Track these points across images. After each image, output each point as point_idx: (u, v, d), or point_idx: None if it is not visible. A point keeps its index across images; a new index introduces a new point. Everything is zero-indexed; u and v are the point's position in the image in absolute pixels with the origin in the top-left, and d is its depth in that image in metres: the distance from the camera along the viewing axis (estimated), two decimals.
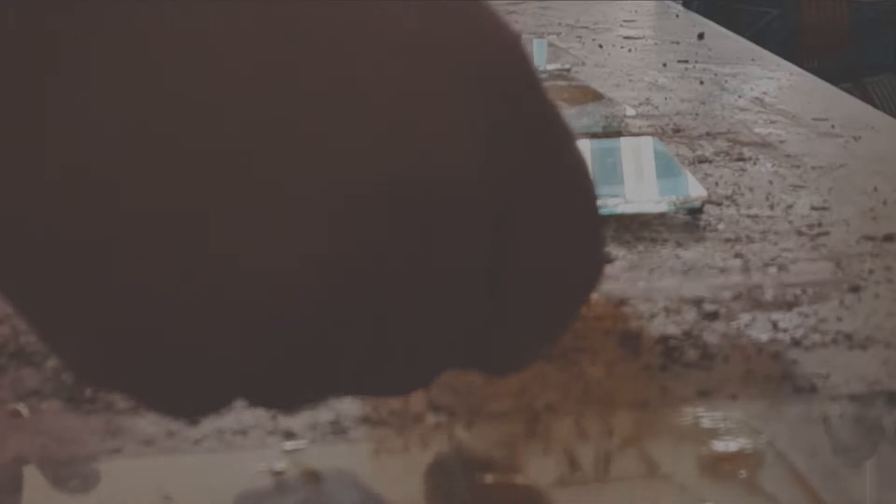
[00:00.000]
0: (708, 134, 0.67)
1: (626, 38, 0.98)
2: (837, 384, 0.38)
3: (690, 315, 0.43)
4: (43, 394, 0.36)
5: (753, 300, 0.44)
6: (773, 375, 0.38)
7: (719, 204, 0.54)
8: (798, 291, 0.45)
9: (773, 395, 0.37)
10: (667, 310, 0.43)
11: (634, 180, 0.53)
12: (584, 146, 0.54)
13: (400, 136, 0.22)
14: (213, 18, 0.21)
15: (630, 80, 0.81)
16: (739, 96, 0.77)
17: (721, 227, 0.52)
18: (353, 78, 0.22)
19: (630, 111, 0.68)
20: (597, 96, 0.69)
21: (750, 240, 0.50)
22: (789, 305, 0.44)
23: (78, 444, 0.34)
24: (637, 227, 0.51)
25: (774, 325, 0.42)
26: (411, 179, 0.22)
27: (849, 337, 0.41)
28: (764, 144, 0.65)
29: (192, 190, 0.21)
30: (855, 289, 0.45)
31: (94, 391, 0.36)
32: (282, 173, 0.21)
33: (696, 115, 0.71)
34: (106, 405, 0.36)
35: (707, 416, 0.36)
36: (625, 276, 0.46)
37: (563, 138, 0.25)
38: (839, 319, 0.43)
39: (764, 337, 0.41)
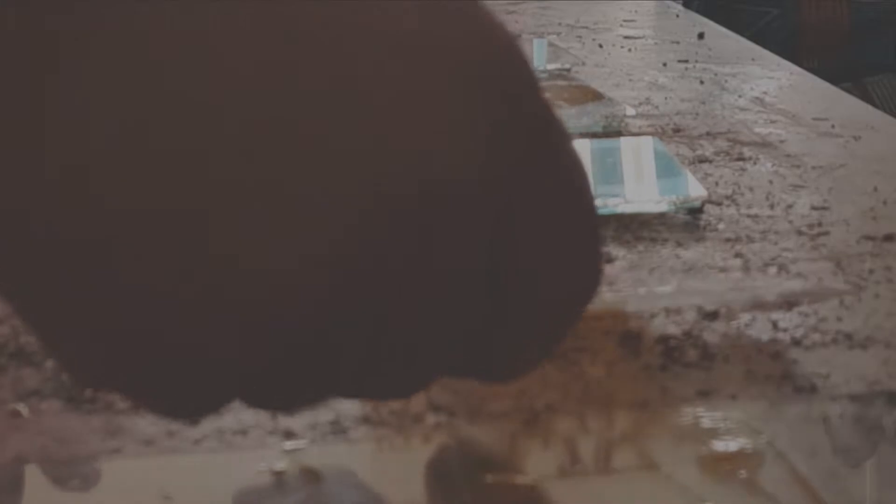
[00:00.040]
0: (708, 134, 0.67)
1: (626, 37, 0.98)
2: (837, 384, 0.38)
3: (690, 315, 0.43)
4: (43, 394, 0.36)
5: (753, 300, 0.44)
6: (773, 375, 0.38)
7: (719, 204, 0.54)
8: (798, 291, 0.45)
9: (773, 395, 0.37)
10: (667, 310, 0.43)
11: (634, 180, 0.53)
12: (584, 146, 0.54)
13: (400, 136, 0.22)
14: (213, 18, 0.21)
15: (630, 80, 0.81)
16: (739, 96, 0.77)
17: (721, 226, 0.52)
18: (353, 78, 0.22)
19: (630, 111, 0.68)
20: (597, 96, 0.69)
21: (750, 239, 0.50)
22: (789, 305, 0.44)
23: (78, 444, 0.34)
24: (637, 227, 0.51)
25: (774, 325, 0.42)
26: (411, 179, 0.22)
27: (849, 337, 0.41)
28: (764, 144, 0.65)
29: (192, 190, 0.21)
30: (855, 289, 0.45)
31: (94, 391, 0.36)
32: (282, 173, 0.21)
33: (696, 114, 0.71)
34: (106, 405, 0.36)
35: (707, 416, 0.36)
36: (625, 275, 0.46)
37: (560, 139, 0.25)
38: (839, 319, 0.43)
39: (764, 337, 0.41)
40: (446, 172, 0.23)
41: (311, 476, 0.32)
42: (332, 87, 0.22)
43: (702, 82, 0.81)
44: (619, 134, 0.64)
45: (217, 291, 0.22)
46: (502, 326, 0.25)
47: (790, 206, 0.54)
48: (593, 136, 0.62)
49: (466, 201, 0.23)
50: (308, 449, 0.34)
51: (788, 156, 0.63)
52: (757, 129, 0.68)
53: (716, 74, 0.83)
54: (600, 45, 0.94)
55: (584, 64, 0.84)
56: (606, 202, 0.51)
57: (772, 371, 0.39)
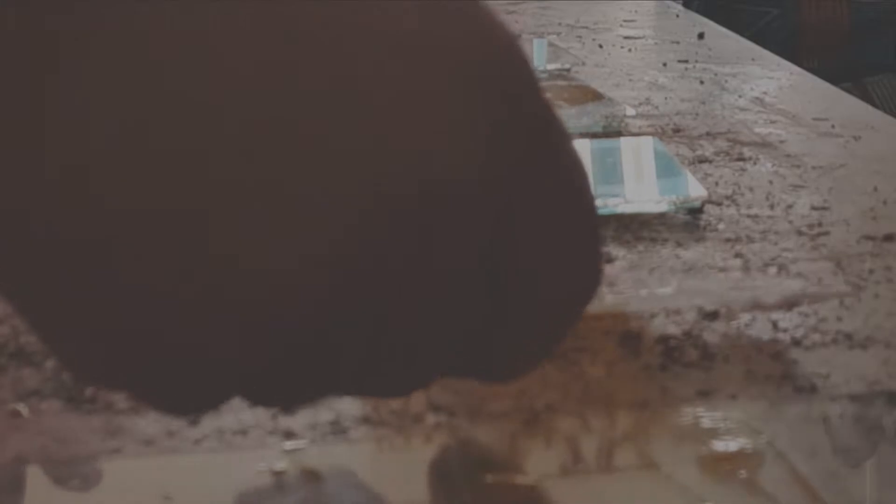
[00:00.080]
0: (708, 134, 0.67)
1: (626, 38, 0.98)
2: (837, 384, 0.38)
3: (690, 315, 0.43)
4: (43, 394, 0.36)
5: (753, 300, 0.44)
6: (773, 375, 0.38)
7: (719, 204, 0.54)
8: (798, 291, 0.45)
9: (773, 395, 0.37)
10: (667, 310, 0.43)
11: (634, 180, 0.53)
12: (584, 146, 0.54)
13: (400, 136, 0.22)
14: (213, 18, 0.21)
15: (630, 80, 0.81)
16: (739, 96, 0.77)
17: (721, 226, 0.52)
18: (353, 78, 0.22)
19: (630, 111, 0.68)
20: (597, 96, 0.69)
21: (750, 240, 0.50)
22: (789, 305, 0.44)
23: (78, 444, 0.34)
24: (637, 227, 0.51)
25: (774, 325, 0.42)
26: (411, 179, 0.22)
27: (849, 337, 0.41)
28: (764, 144, 0.65)
29: (192, 190, 0.21)
30: (855, 289, 0.45)
31: (94, 391, 0.36)
32: (282, 173, 0.21)
33: (696, 114, 0.71)
34: (106, 405, 0.36)
35: (707, 416, 0.36)
36: (625, 276, 0.46)
37: (560, 139, 0.25)
38: (839, 319, 0.43)
39: (764, 337, 0.41)
40: (446, 172, 0.23)
41: (311, 476, 0.32)
42: (332, 87, 0.22)
43: (702, 82, 0.81)
44: (619, 134, 0.64)
45: (217, 291, 0.22)
46: (502, 326, 0.25)
47: (790, 206, 0.54)
48: (593, 136, 0.62)
49: (466, 201, 0.23)
50: (308, 449, 0.34)
51: (788, 156, 0.63)
52: (757, 129, 0.68)
53: (716, 74, 0.83)
54: (600, 45, 0.94)
55: (584, 64, 0.84)
56: (606, 202, 0.51)
57: (772, 371, 0.39)
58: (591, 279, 0.27)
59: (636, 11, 1.11)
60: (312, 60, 0.22)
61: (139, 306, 0.22)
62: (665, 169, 0.53)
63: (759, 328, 0.42)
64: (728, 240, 0.50)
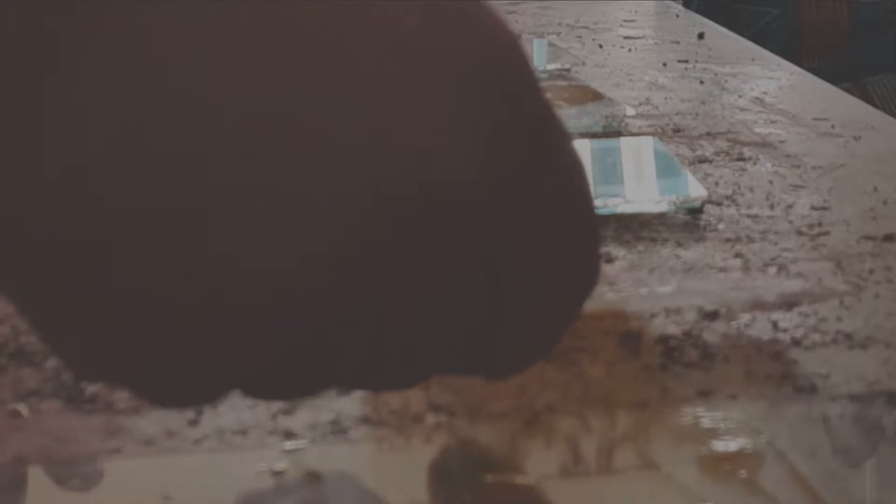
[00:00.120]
0: (708, 134, 0.67)
1: (626, 38, 0.98)
2: (837, 384, 0.38)
3: (690, 315, 0.43)
4: (43, 394, 0.36)
5: (753, 300, 0.44)
6: (773, 375, 0.38)
7: (719, 204, 0.54)
8: (798, 291, 0.45)
9: (773, 395, 0.37)
10: (667, 310, 0.43)
11: (634, 180, 0.53)
12: (584, 146, 0.54)
13: (400, 136, 0.22)
14: (213, 18, 0.21)
15: (630, 80, 0.81)
16: (739, 96, 0.77)
17: (721, 226, 0.52)
18: (353, 78, 0.22)
19: (630, 111, 0.68)
20: (597, 96, 0.69)
21: (750, 240, 0.50)
22: (789, 305, 0.44)
23: (78, 444, 0.34)
24: (637, 227, 0.51)
25: (774, 325, 0.42)
26: (411, 179, 0.22)
27: (849, 337, 0.41)
28: (764, 144, 0.65)
29: (192, 190, 0.21)
30: (855, 289, 0.45)
31: (95, 391, 0.36)
32: (282, 173, 0.21)
33: (696, 114, 0.71)
34: (106, 405, 0.36)
35: (707, 416, 0.36)
36: (625, 275, 0.46)
37: (560, 139, 0.25)
38: (839, 319, 0.43)
39: (764, 337, 0.41)
40: (446, 172, 0.23)
41: (311, 476, 0.32)
42: (332, 87, 0.22)
43: (702, 82, 0.81)
44: (619, 134, 0.64)
45: (217, 291, 0.22)
46: (501, 325, 0.25)
47: (790, 206, 0.54)
48: (593, 136, 0.62)
49: (466, 201, 0.23)
50: (308, 449, 0.34)
51: (788, 156, 0.63)
52: (757, 129, 0.68)
53: (716, 74, 0.83)
54: (600, 45, 0.94)
55: (584, 64, 0.84)
56: (606, 202, 0.51)
57: (772, 371, 0.39)
58: (589, 278, 0.27)
59: (636, 11, 1.11)
60: (312, 60, 0.22)
61: (139, 306, 0.22)
62: (665, 169, 0.53)
63: (759, 328, 0.42)
64: (728, 240, 0.50)
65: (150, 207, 0.21)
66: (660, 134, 0.66)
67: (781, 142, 0.66)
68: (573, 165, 0.25)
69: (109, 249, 0.21)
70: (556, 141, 0.25)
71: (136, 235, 0.21)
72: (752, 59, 0.90)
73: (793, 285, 0.45)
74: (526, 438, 0.35)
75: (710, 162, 0.61)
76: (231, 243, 0.21)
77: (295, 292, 0.22)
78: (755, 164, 0.61)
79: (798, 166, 0.61)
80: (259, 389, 0.25)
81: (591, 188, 0.26)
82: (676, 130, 0.68)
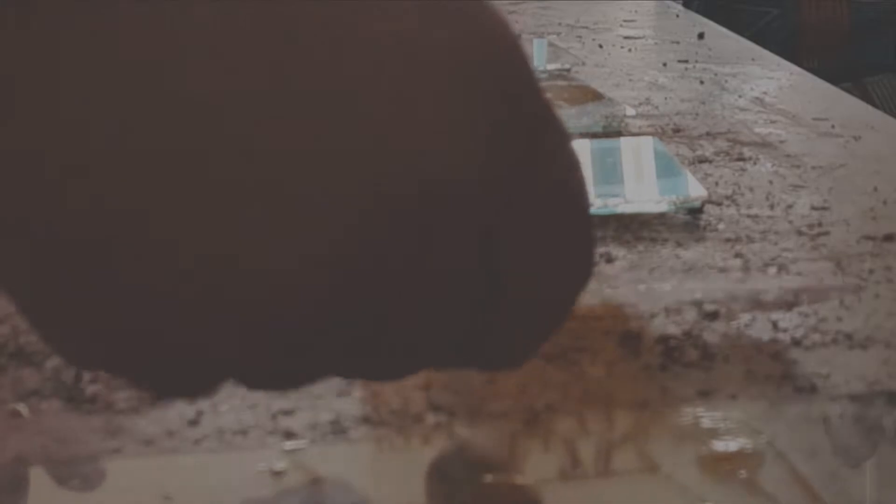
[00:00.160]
0: (708, 134, 0.67)
1: (626, 38, 0.98)
2: (837, 384, 0.38)
3: (690, 315, 0.43)
4: (43, 394, 0.36)
5: (753, 300, 0.44)
6: (773, 375, 0.38)
7: (719, 204, 0.54)
8: (798, 291, 0.45)
9: (773, 395, 0.37)
10: (667, 310, 0.43)
11: (634, 180, 0.53)
12: (584, 146, 0.54)
13: (399, 136, 0.22)
14: (213, 18, 0.21)
15: (630, 80, 0.81)
16: (739, 96, 0.77)
17: (721, 226, 0.52)
18: (353, 78, 0.22)
19: (630, 111, 0.68)
20: (597, 96, 0.69)
21: (750, 240, 0.50)
22: (789, 305, 0.44)
23: (78, 444, 0.34)
24: (637, 227, 0.51)
25: (774, 325, 0.42)
26: (411, 179, 0.22)
27: (849, 337, 0.41)
28: (764, 144, 0.65)
29: (192, 190, 0.21)
30: (855, 289, 0.45)
31: (95, 392, 0.36)
32: (282, 173, 0.21)
33: (696, 114, 0.71)
34: (106, 405, 0.36)
35: (707, 416, 0.36)
36: (625, 275, 0.46)
37: (559, 139, 0.25)
38: (839, 319, 0.43)
39: (764, 337, 0.41)
40: (446, 172, 0.23)
41: (311, 476, 0.32)
42: (332, 87, 0.22)
43: (702, 82, 0.81)
44: (619, 134, 0.64)
45: (217, 291, 0.22)
46: (499, 321, 0.25)
47: (790, 206, 0.54)
48: (593, 136, 0.62)
49: (466, 201, 0.23)
50: (308, 449, 0.34)
51: (788, 156, 0.63)
52: (757, 129, 0.68)
53: (716, 74, 0.83)
54: (600, 45, 0.94)
55: (584, 64, 0.84)
56: (606, 202, 0.51)
57: (772, 371, 0.39)
58: (582, 276, 0.27)
59: (636, 11, 1.11)
60: (312, 60, 0.22)
61: (139, 306, 0.22)
62: (665, 169, 0.53)
63: (759, 328, 0.42)
64: (728, 240, 0.50)
65: (151, 207, 0.21)
66: (660, 134, 0.66)
67: (781, 142, 0.66)
68: (571, 165, 0.25)
69: (109, 249, 0.21)
70: (554, 141, 0.25)
71: (136, 235, 0.21)
72: (752, 59, 0.90)
73: (793, 285, 0.45)
74: (526, 439, 0.35)
75: (710, 162, 0.61)
76: (231, 243, 0.21)
77: (295, 292, 0.22)
78: (755, 164, 0.61)
79: (798, 166, 0.61)
80: (257, 382, 0.25)
81: (591, 188, 0.26)
82: (676, 130, 0.68)
